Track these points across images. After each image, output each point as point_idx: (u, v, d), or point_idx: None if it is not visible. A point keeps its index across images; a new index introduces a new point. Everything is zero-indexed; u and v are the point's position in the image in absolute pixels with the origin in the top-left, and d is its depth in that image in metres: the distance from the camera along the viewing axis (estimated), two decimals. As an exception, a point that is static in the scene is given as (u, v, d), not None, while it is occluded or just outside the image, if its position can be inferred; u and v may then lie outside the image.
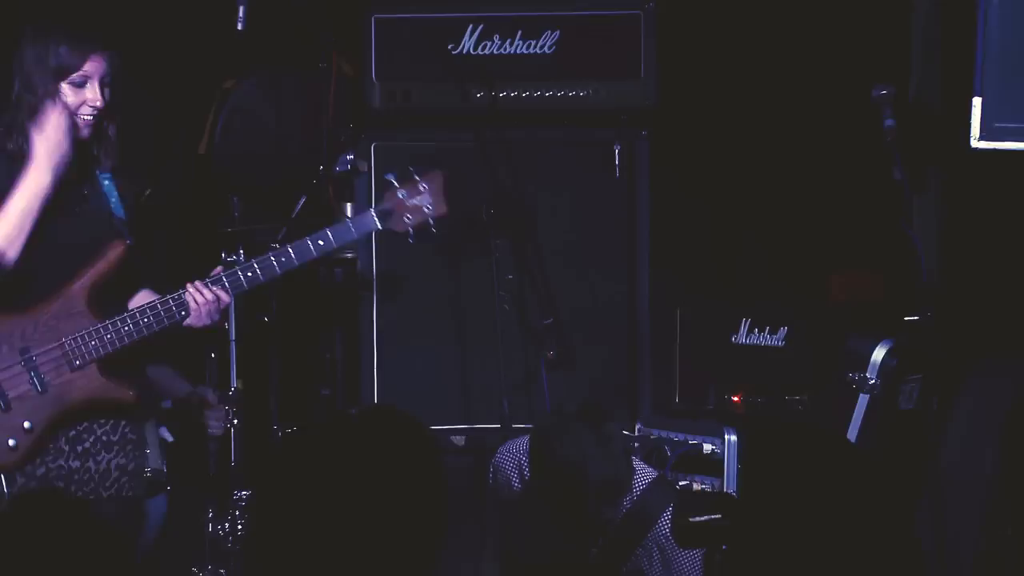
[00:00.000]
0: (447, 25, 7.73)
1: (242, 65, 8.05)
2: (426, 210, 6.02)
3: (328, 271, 7.80)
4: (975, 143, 7.02)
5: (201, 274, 6.34)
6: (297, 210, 7.34)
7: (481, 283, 7.53)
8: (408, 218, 6.03)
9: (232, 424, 7.19)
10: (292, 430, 7.50)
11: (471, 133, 7.57)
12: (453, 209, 7.28)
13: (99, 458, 5.94)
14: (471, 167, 7.52)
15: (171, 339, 6.95)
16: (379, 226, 6.04)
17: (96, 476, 5.91)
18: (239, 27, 7.34)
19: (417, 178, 6.04)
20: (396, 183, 6.04)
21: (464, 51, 7.71)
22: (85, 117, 5.97)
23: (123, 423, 5.92)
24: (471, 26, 7.71)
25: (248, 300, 7.23)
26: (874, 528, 4.08)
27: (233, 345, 7.21)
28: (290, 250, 6.02)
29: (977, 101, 7.01)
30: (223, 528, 7.11)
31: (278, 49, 7.98)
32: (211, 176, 8.03)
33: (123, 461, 5.96)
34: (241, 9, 7.38)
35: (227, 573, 7.09)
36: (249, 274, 5.96)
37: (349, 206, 7.71)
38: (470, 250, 7.57)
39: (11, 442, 5.84)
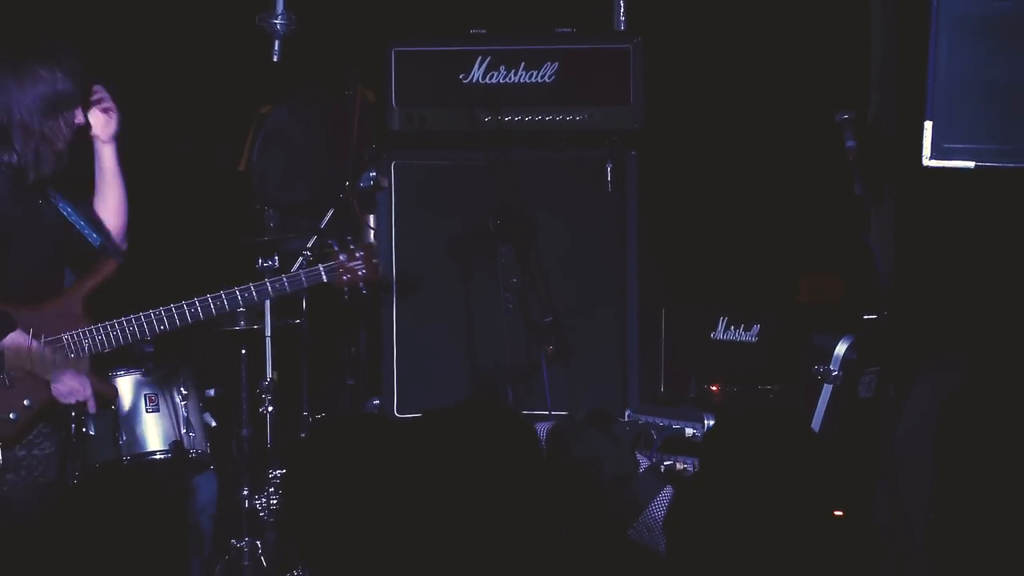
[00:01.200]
0: (459, 57, 7.69)
1: (277, 92, 8.10)
2: (360, 272, 6.61)
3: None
4: (927, 162, 7.04)
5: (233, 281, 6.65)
6: (325, 221, 7.41)
7: (488, 285, 7.50)
8: (346, 276, 6.61)
9: (268, 411, 7.28)
10: (321, 416, 7.53)
11: (480, 153, 7.53)
12: (464, 220, 7.65)
13: (43, 446, 6.13)
14: (480, 183, 7.54)
15: (205, 337, 7.11)
16: (325, 279, 6.58)
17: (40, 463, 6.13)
18: (274, 59, 7.39)
19: (353, 247, 6.60)
20: (338, 249, 6.60)
21: (473, 80, 7.67)
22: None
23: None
24: (480, 58, 7.68)
25: (281, 300, 7.23)
26: (824, 507, 4.11)
27: (268, 341, 7.29)
28: (253, 289, 6.44)
29: (928, 124, 7.02)
30: (259, 503, 7.21)
31: (309, 78, 8.02)
32: (249, 191, 8.05)
33: (55, 450, 6.18)
34: (276, 43, 7.33)
35: (263, 544, 7.17)
36: (218, 303, 6.35)
37: (372, 217, 7.76)
38: (478, 256, 7.55)
39: (12, 415, 6.02)
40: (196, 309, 6.29)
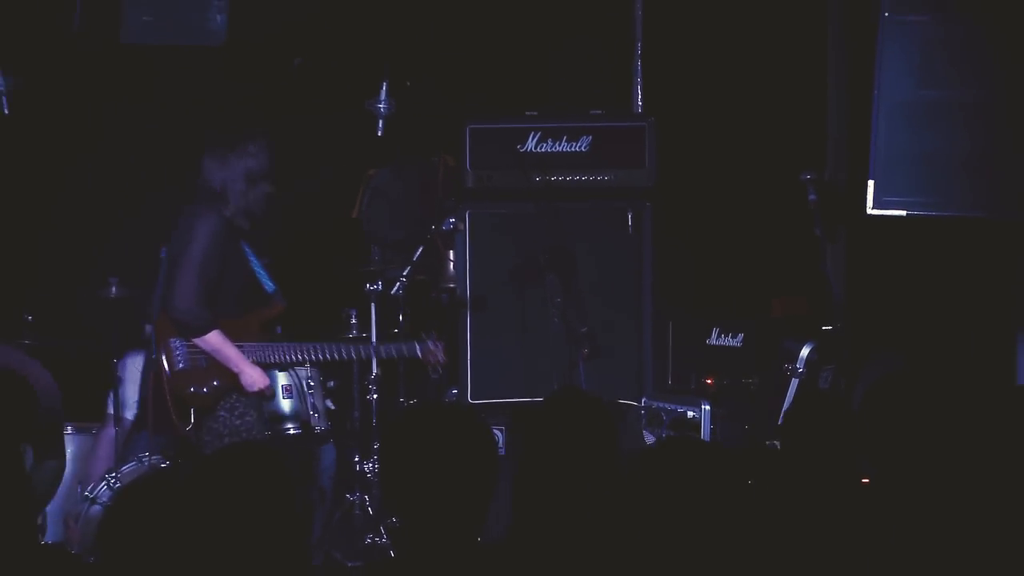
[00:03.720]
0: (517, 132, 7.67)
1: (380, 158, 7.96)
2: (439, 359, 6.55)
3: (438, 296, 7.78)
4: (870, 211, 6.97)
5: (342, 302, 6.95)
6: (416, 256, 7.24)
7: (539, 303, 7.44)
8: (431, 359, 6.55)
9: (373, 398, 7.17)
10: (411, 403, 7.38)
11: (532, 204, 7.49)
12: (521, 254, 7.60)
13: (247, 417, 6.23)
14: (532, 226, 7.49)
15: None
16: (419, 355, 6.53)
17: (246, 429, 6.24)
18: (378, 134, 7.57)
19: (438, 338, 6.55)
20: (427, 337, 6.54)
21: (528, 149, 7.65)
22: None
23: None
24: (533, 133, 7.66)
25: (384, 314, 7.18)
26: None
27: (373, 345, 7.01)
28: (372, 348, 6.69)
29: (871, 183, 6.95)
30: (367, 467, 7.13)
31: (405, 148, 7.89)
32: (360, 232, 7.93)
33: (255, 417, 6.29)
34: (380, 122, 7.53)
35: (369, 498, 7.06)
36: (345, 351, 6.45)
37: (451, 252, 7.73)
38: (532, 282, 7.49)
39: (204, 390, 6.15)
40: (329, 353, 6.41)
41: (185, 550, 3.64)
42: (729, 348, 7.43)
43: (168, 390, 6.19)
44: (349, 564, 6.67)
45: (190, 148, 7.39)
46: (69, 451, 6.66)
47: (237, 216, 6.21)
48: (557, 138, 7.72)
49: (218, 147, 6.26)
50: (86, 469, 6.93)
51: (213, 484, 3.66)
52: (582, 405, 4.21)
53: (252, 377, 6.23)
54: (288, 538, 3.64)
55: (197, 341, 6.19)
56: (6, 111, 7.23)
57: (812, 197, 6.97)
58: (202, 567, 3.60)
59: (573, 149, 7.74)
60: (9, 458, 3.97)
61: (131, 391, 7.07)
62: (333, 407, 7.11)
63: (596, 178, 7.75)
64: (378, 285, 7.17)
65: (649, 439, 6.00)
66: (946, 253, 7.38)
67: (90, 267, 6.88)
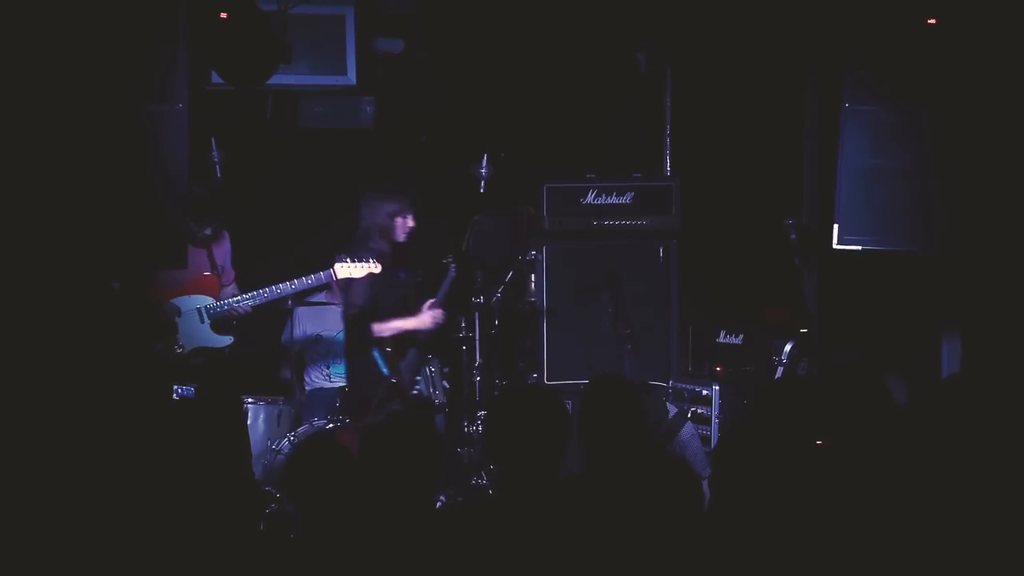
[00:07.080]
0: (581, 189, 7.68)
1: (482, 208, 7.81)
2: None
3: (523, 307, 7.69)
4: (835, 246, 6.87)
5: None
6: (508, 278, 7.35)
7: (595, 311, 7.48)
8: None
9: (476, 380, 7.26)
10: (503, 383, 7.42)
11: (592, 241, 7.57)
12: (583, 277, 7.60)
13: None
14: (592, 257, 7.58)
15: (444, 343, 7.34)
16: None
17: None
18: (481, 190, 7.60)
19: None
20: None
21: (589, 202, 7.66)
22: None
23: None
24: (591, 189, 7.66)
25: (483, 320, 7.25)
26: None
27: (477, 343, 7.25)
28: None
29: (836, 226, 6.85)
30: (472, 429, 7.16)
31: (499, 201, 7.78)
32: (468, 262, 7.65)
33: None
34: (481, 183, 7.53)
35: (474, 450, 7.07)
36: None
37: (532, 276, 7.68)
38: (591, 296, 7.52)
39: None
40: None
41: (345, 487, 3.77)
42: (733, 345, 7.46)
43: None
44: (459, 499, 6.71)
45: (345, 203, 7.65)
46: (261, 416, 6.77)
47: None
48: (609, 193, 7.74)
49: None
50: (272, 429, 6.95)
51: (391, 436, 3.85)
52: (618, 385, 4.37)
53: None
54: (431, 469, 3.84)
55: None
56: (219, 177, 7.27)
57: (792, 236, 7.04)
58: (366, 495, 3.74)
59: (620, 201, 7.75)
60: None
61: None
62: (448, 386, 7.21)
63: (637, 223, 7.78)
64: (480, 299, 7.30)
65: (672, 410, 6.02)
66: (892, 277, 7.40)
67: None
